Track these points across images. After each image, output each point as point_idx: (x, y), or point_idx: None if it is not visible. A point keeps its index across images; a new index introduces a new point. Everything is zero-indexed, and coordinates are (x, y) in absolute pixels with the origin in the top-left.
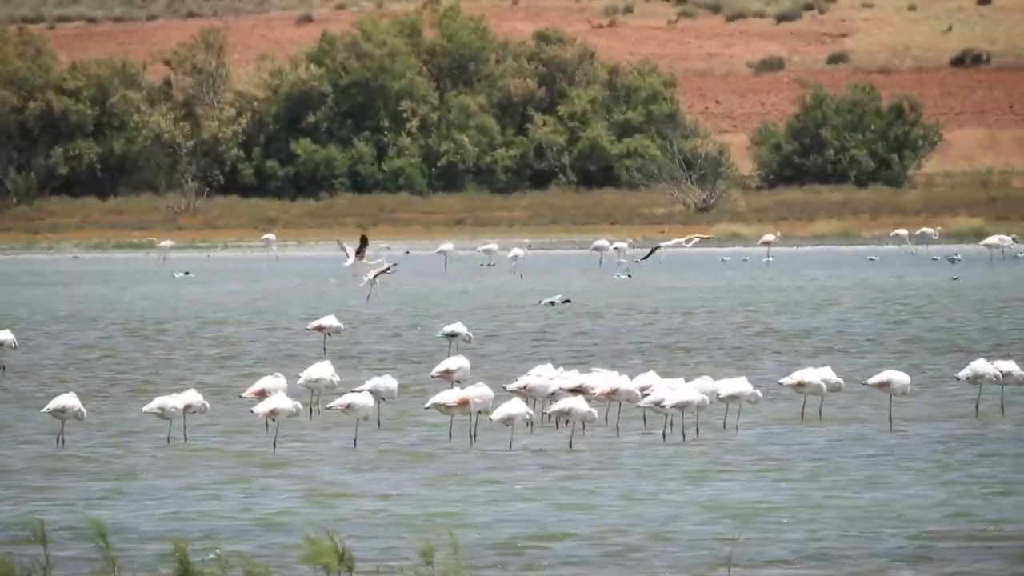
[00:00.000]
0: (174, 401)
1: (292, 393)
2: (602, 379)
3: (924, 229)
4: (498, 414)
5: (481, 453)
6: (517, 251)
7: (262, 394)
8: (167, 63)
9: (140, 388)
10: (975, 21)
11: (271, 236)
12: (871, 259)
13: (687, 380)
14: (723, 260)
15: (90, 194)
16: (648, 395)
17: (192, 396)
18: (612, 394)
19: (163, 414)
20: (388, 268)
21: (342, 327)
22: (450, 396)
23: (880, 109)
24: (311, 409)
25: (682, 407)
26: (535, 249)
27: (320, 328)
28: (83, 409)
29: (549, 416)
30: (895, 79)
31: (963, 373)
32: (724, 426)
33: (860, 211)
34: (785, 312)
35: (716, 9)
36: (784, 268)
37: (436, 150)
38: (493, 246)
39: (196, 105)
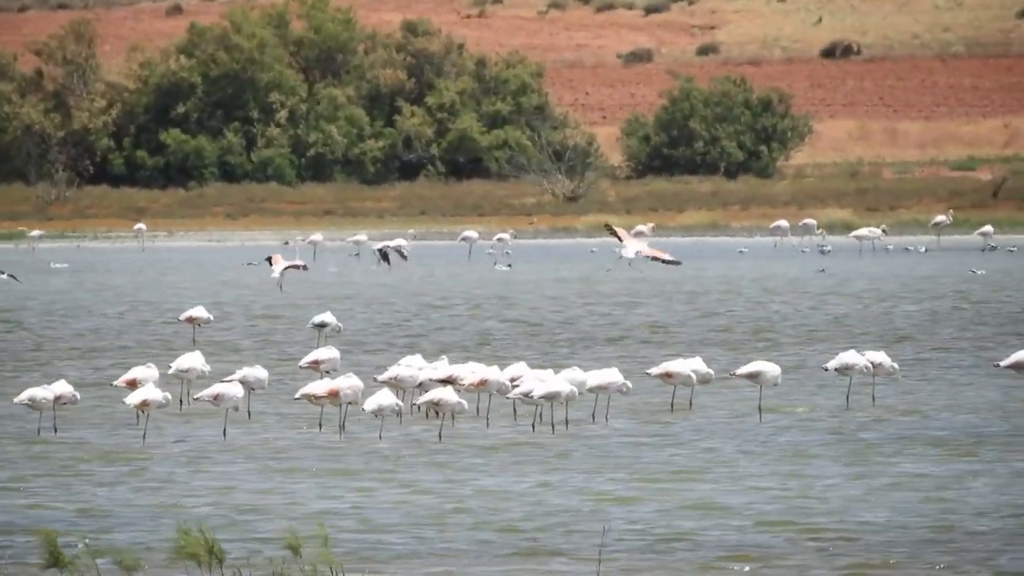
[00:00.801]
0: (44, 392)
1: (163, 383)
2: (472, 370)
3: (806, 220)
4: (368, 405)
5: (351, 443)
6: (401, 241)
7: (133, 384)
8: (38, 54)
9: (10, 380)
10: (845, 12)
11: (142, 226)
12: (741, 251)
13: (556, 371)
14: (592, 251)
15: None
16: (517, 386)
17: (63, 387)
18: (481, 385)
19: (34, 405)
20: (301, 265)
21: (211, 318)
22: (320, 386)
23: (749, 101)
24: (181, 400)
25: (551, 398)
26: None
27: (191, 319)
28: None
29: (419, 407)
30: (765, 70)
31: (832, 364)
32: (593, 417)
33: (729, 202)
34: (658, 303)
35: (586, 0)
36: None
37: (305, 141)
38: (362, 237)
39: (67, 96)
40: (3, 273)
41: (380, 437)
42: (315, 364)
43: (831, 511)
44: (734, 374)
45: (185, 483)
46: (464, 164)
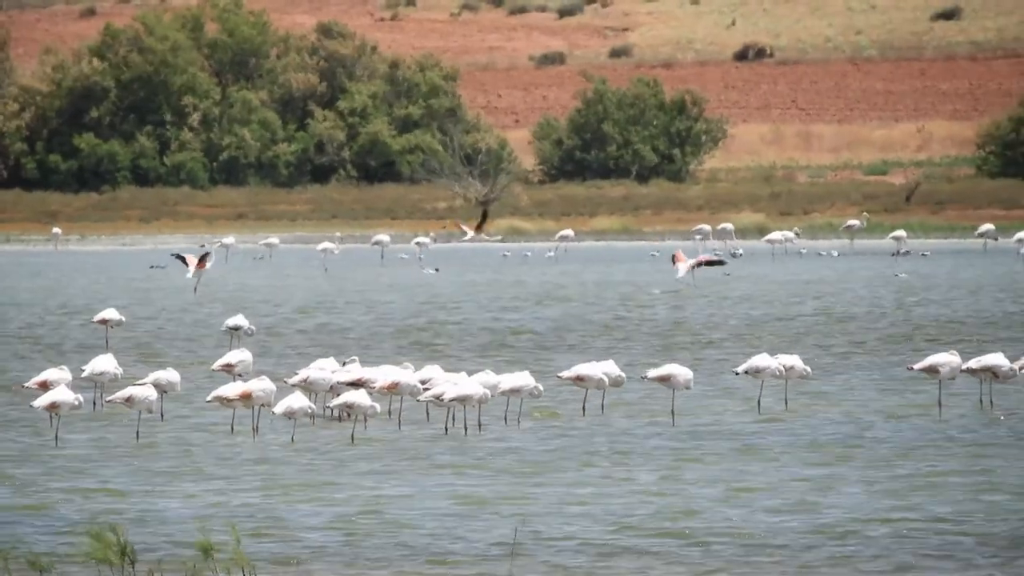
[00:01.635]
0: None
1: (75, 386)
2: (383, 373)
3: (723, 224)
4: (280, 407)
5: (264, 446)
6: (327, 244)
7: (45, 386)
8: None
9: None
10: (758, 15)
11: (59, 230)
12: (653, 254)
13: (469, 374)
14: (504, 255)
15: None
16: (429, 389)
17: None
18: (393, 388)
19: None
20: (205, 259)
21: (124, 320)
22: (232, 389)
23: (663, 104)
24: (94, 402)
25: (462, 401)
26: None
27: (103, 321)
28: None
29: (332, 410)
30: (678, 73)
31: (743, 367)
32: (505, 420)
33: (642, 206)
34: (581, 305)
35: (498, 3)
36: (570, 262)
37: (218, 144)
38: (274, 240)
39: None
40: None
41: (292, 440)
42: (228, 367)
43: (697, 514)
44: (646, 377)
45: (99, 485)
46: (376, 168)
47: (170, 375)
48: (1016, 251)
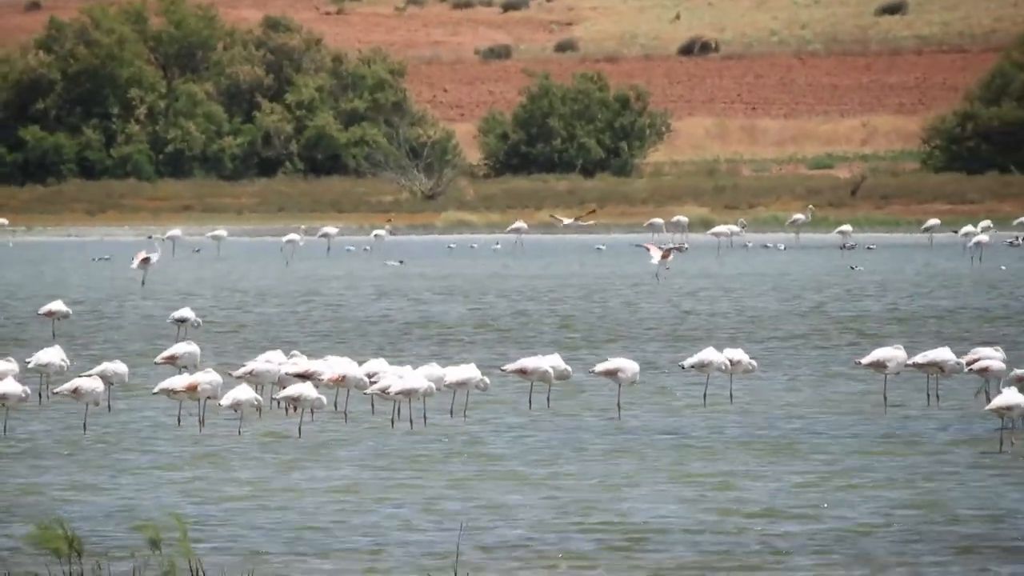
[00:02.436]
0: None
1: (22, 377)
2: (330, 365)
3: (678, 217)
4: (226, 400)
5: (209, 438)
6: (293, 236)
7: None
8: None
9: None
10: (703, 10)
11: (4, 221)
12: (598, 248)
13: (415, 367)
14: (450, 247)
15: None
16: (376, 382)
17: None
18: (340, 381)
19: None
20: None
21: (70, 312)
22: (178, 382)
23: (607, 98)
24: (40, 394)
25: (408, 394)
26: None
27: (50, 313)
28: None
29: (278, 402)
30: (623, 67)
31: (690, 361)
32: (452, 413)
33: (587, 200)
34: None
35: None
36: (520, 255)
37: (164, 137)
38: (222, 232)
39: None
40: None
41: (239, 432)
42: (171, 359)
43: (616, 509)
44: (593, 372)
45: (45, 477)
46: (322, 161)
47: (117, 367)
48: (963, 245)
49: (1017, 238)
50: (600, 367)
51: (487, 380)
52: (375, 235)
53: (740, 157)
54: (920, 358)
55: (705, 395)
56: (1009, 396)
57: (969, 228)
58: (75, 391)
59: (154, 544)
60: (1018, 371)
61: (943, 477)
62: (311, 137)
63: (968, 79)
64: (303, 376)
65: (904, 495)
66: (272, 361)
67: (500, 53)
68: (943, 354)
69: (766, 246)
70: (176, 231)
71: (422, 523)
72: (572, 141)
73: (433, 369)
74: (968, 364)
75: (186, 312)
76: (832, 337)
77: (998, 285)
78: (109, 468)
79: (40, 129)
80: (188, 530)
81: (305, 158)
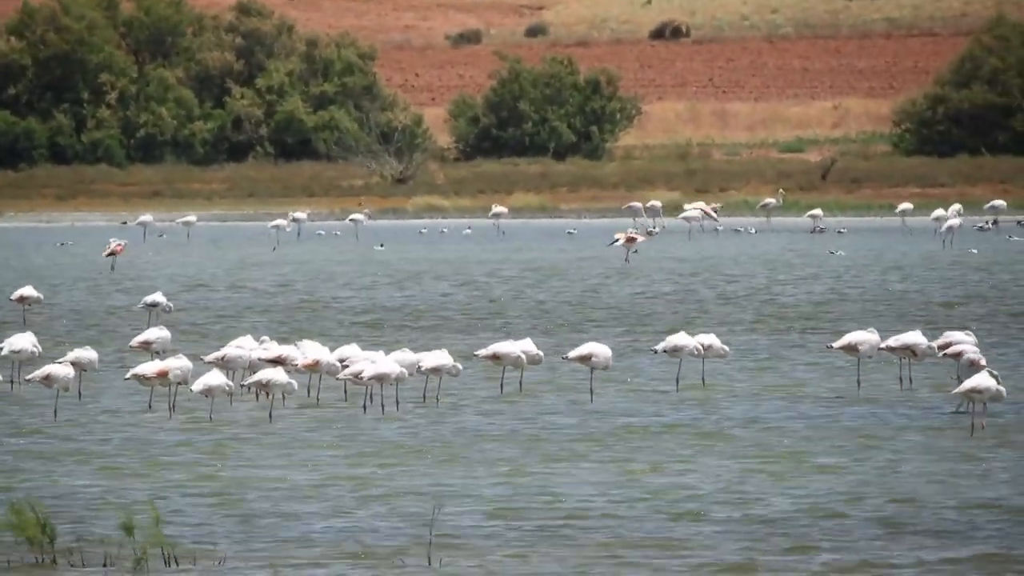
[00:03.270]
0: None
1: None
2: (302, 350)
3: (652, 202)
4: (197, 385)
5: (180, 424)
6: (280, 221)
7: None
8: None
9: None
10: None
11: None
12: (569, 232)
13: (387, 352)
14: (421, 232)
15: None
16: (348, 367)
17: None
18: (313, 366)
19: None
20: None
21: (42, 297)
22: (149, 367)
23: (578, 82)
24: (12, 380)
25: (380, 379)
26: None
27: (21, 298)
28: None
29: (249, 387)
30: (594, 52)
31: (661, 346)
32: (424, 398)
33: (558, 184)
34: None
35: None
36: (494, 239)
37: (135, 122)
38: (191, 218)
39: None
40: None
41: (210, 418)
42: (145, 344)
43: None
44: (566, 357)
45: (17, 463)
46: (292, 145)
47: (88, 353)
48: (934, 230)
49: (987, 222)
50: (573, 352)
51: (460, 366)
52: (351, 220)
53: (711, 141)
54: (892, 341)
55: (677, 380)
56: (979, 379)
57: (940, 212)
58: (47, 378)
59: (127, 530)
60: (971, 356)
61: (911, 461)
62: (281, 121)
63: (939, 63)
64: (276, 362)
65: (871, 479)
66: (243, 347)
67: (470, 37)
68: (915, 338)
69: (738, 230)
70: (147, 216)
71: (395, 508)
72: (543, 125)
73: (406, 355)
74: (940, 348)
75: (157, 297)
76: (810, 321)
77: (978, 268)
78: (80, 455)
79: (11, 114)
80: (160, 517)
81: (275, 142)
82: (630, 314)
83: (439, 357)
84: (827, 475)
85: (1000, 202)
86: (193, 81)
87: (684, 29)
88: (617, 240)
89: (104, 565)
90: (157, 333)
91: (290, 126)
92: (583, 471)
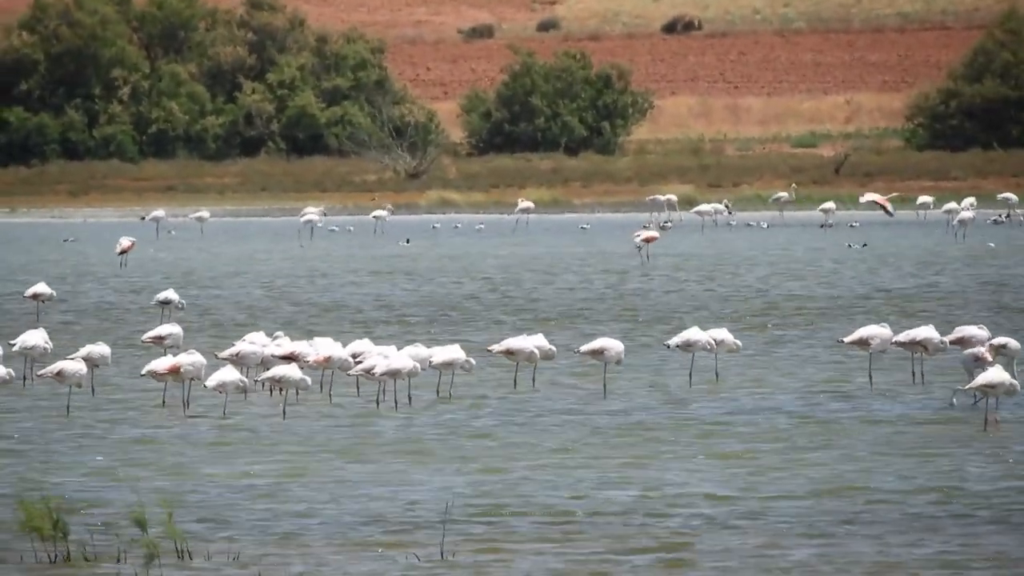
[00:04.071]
0: None
1: (6, 360)
2: (315, 346)
3: (668, 196)
4: (211, 381)
5: (194, 420)
6: (311, 216)
7: None
8: None
9: None
10: None
11: None
12: (583, 227)
13: (399, 348)
14: (434, 227)
15: None
16: (360, 362)
17: None
18: (325, 362)
19: None
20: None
21: (55, 294)
22: (162, 363)
23: (590, 77)
24: (24, 376)
25: (392, 375)
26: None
27: (35, 296)
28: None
29: (262, 383)
30: (605, 46)
31: (674, 341)
32: (437, 393)
33: (571, 179)
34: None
35: None
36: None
37: (147, 117)
38: (204, 214)
39: None
40: None
41: (224, 414)
42: (158, 340)
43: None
44: (578, 351)
45: (29, 459)
46: (304, 140)
47: (101, 349)
48: (946, 223)
49: (1001, 215)
50: (585, 347)
51: (472, 361)
52: (375, 216)
53: (723, 135)
54: (904, 336)
55: (691, 375)
56: (993, 374)
57: (952, 205)
58: (59, 374)
59: (139, 526)
60: (973, 350)
61: (924, 456)
62: (292, 116)
63: (951, 56)
64: (288, 358)
65: (886, 474)
66: (256, 343)
67: (482, 32)
68: (927, 332)
69: (750, 224)
70: (159, 212)
71: (409, 502)
72: (555, 120)
73: (418, 349)
74: (952, 343)
75: (170, 294)
76: (822, 315)
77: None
78: (93, 450)
79: (23, 110)
80: (173, 512)
81: (287, 137)
82: (643, 308)
83: (451, 352)
84: (839, 469)
85: (1011, 196)
86: (205, 76)
87: (696, 23)
88: (638, 237)
89: (118, 560)
90: (170, 329)
91: (302, 121)
92: (598, 466)
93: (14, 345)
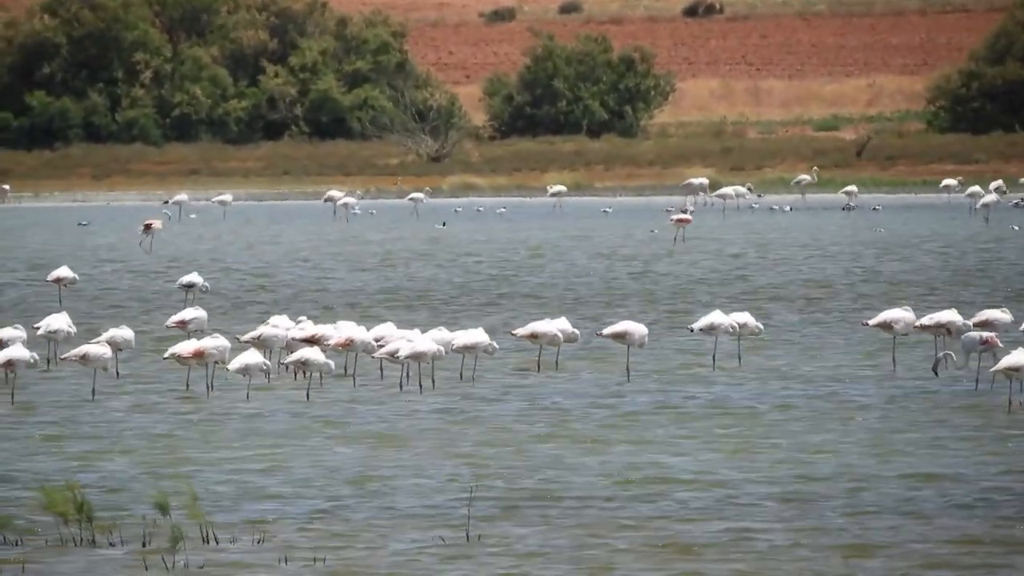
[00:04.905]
0: None
1: (30, 344)
2: (337, 329)
3: (701, 179)
4: (234, 365)
5: (218, 404)
6: (348, 199)
7: (0, 344)
8: None
9: None
10: None
11: (6, 187)
12: (605, 211)
13: (423, 331)
14: (456, 211)
15: None
16: (383, 346)
17: None
18: (347, 344)
19: None
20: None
21: (77, 278)
22: (186, 347)
23: (612, 60)
24: (48, 360)
25: (416, 358)
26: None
27: (58, 279)
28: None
29: (287, 367)
30: (627, 29)
31: (698, 324)
32: (460, 377)
33: (593, 162)
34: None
35: None
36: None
37: (170, 101)
38: (227, 197)
39: None
40: None
41: (247, 397)
42: (182, 324)
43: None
44: (601, 334)
45: (54, 443)
46: (327, 124)
47: (124, 332)
48: (969, 206)
49: (1022, 199)
50: (608, 330)
51: (495, 344)
52: (410, 199)
53: (745, 119)
54: (927, 320)
55: (714, 358)
56: (1017, 356)
57: (975, 189)
58: (83, 357)
59: (162, 509)
60: (973, 334)
61: (948, 439)
62: (315, 100)
63: (973, 39)
64: (311, 341)
65: (909, 456)
66: (280, 326)
67: (504, 15)
68: (950, 316)
69: (772, 208)
70: (182, 196)
71: (433, 485)
72: (577, 103)
73: (441, 333)
74: (976, 325)
75: (194, 277)
76: (846, 298)
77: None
78: (117, 434)
79: (46, 94)
80: (197, 496)
81: (310, 121)
82: (667, 292)
83: (474, 335)
84: (861, 452)
85: None
86: (227, 60)
87: (718, 6)
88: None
89: (143, 544)
90: (194, 313)
91: (324, 105)
92: (621, 449)
93: (39, 329)
